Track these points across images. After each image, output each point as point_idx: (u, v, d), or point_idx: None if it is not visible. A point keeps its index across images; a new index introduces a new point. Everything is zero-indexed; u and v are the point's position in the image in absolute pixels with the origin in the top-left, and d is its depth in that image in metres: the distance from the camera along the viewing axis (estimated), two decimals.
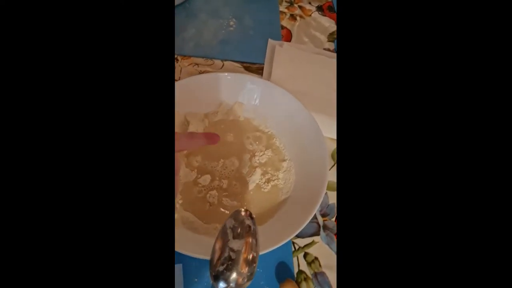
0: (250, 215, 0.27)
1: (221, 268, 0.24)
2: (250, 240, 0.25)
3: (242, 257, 0.25)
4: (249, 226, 0.26)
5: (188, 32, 0.53)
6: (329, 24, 0.60)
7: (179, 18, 0.55)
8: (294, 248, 0.34)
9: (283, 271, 0.32)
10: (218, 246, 0.25)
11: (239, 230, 0.26)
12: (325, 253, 0.34)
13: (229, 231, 0.26)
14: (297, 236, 0.35)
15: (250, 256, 0.25)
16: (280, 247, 0.28)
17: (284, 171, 0.36)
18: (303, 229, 0.29)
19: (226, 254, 0.25)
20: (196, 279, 0.31)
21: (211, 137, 0.27)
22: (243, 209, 0.27)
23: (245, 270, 0.24)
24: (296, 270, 0.33)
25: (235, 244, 0.25)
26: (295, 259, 0.33)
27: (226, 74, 0.39)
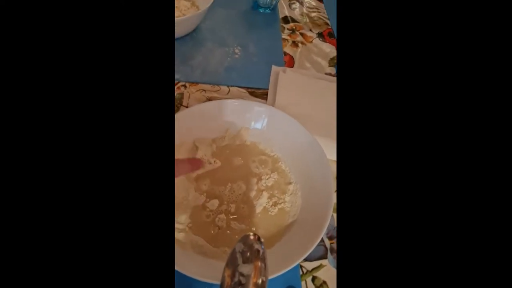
0: (259, 239, 0.27)
1: None
2: (259, 264, 0.26)
3: (251, 282, 0.25)
4: (258, 250, 0.27)
5: (195, 60, 0.56)
6: (330, 50, 0.62)
7: (187, 47, 0.58)
8: (302, 271, 0.34)
9: None
10: (227, 271, 0.26)
11: (248, 254, 0.26)
12: (333, 276, 0.34)
13: (238, 255, 0.26)
14: (305, 260, 0.35)
15: (260, 281, 0.25)
16: (288, 270, 0.28)
17: (290, 194, 0.37)
18: (310, 252, 0.30)
19: (236, 279, 0.25)
20: None
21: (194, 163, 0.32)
22: (251, 233, 0.28)
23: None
24: None
25: (244, 268, 0.25)
26: (303, 283, 0.34)
27: (233, 100, 0.41)
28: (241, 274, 0.25)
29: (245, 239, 0.27)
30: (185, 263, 0.28)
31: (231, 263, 0.26)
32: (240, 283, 0.25)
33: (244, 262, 0.26)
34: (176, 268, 0.27)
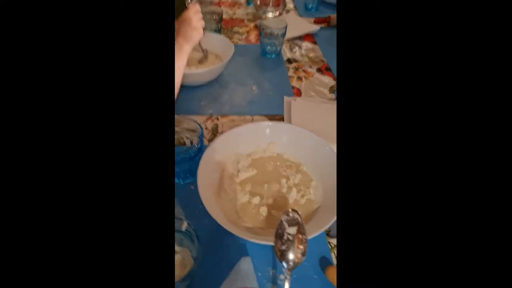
0: (296, 212, 0.38)
1: (283, 248, 0.35)
2: (299, 227, 0.36)
3: (296, 238, 0.35)
4: (297, 218, 0.37)
5: (223, 98, 0.70)
6: (328, 81, 0.77)
7: (215, 89, 0.73)
8: (330, 246, 0.44)
9: (324, 262, 0.42)
10: (279, 232, 0.36)
11: (291, 221, 0.37)
12: None
13: (284, 222, 0.37)
14: (331, 237, 0.44)
15: (302, 238, 0.36)
16: (319, 245, 0.38)
17: (313, 188, 0.48)
18: (334, 231, 0.39)
19: (285, 237, 0.35)
20: (259, 274, 0.40)
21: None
22: (291, 209, 0.38)
23: (300, 247, 0.35)
24: (335, 262, 0.42)
25: (290, 230, 0.36)
26: (332, 254, 0.43)
27: (266, 122, 0.54)
28: (289, 234, 0.36)
29: (287, 212, 0.38)
30: (247, 234, 0.38)
31: (280, 228, 0.36)
32: (288, 239, 0.35)
33: (289, 226, 0.36)
34: (243, 237, 0.37)
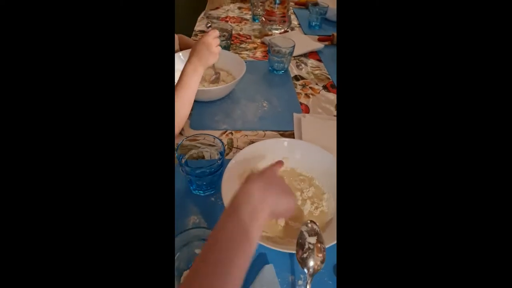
0: (315, 223, 0.42)
1: (304, 255, 0.39)
2: (318, 236, 0.40)
3: (316, 247, 0.39)
4: (316, 229, 0.41)
5: (235, 114, 0.75)
6: (334, 97, 0.82)
7: (227, 104, 0.77)
8: None
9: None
10: (300, 242, 0.40)
11: (311, 231, 0.41)
12: None
13: (305, 232, 0.41)
14: None
15: (321, 246, 0.40)
16: (332, 253, 0.42)
17: (326, 201, 0.52)
18: None
19: (306, 246, 0.40)
20: (279, 279, 0.44)
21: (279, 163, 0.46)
22: (309, 220, 0.43)
23: (319, 255, 0.39)
24: None
25: (310, 239, 0.40)
26: None
27: (282, 139, 0.58)
28: (309, 243, 0.40)
29: (306, 223, 0.42)
30: (268, 243, 0.42)
31: (301, 238, 0.40)
32: (309, 248, 0.39)
33: (309, 236, 0.40)
34: (266, 245, 0.41)
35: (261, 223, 0.32)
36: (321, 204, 0.52)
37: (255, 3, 1.22)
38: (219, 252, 0.28)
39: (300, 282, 0.43)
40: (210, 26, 0.72)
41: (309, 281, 0.38)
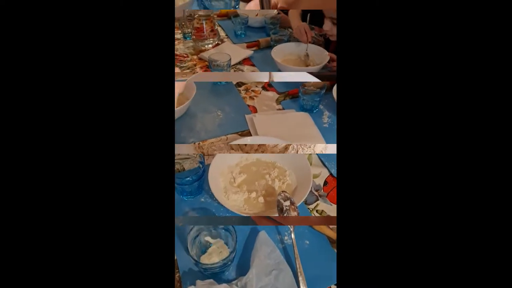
0: (286, 192, 0.58)
1: (284, 215, 0.55)
2: (290, 200, 0.56)
3: (291, 207, 0.55)
4: (287, 196, 0.57)
5: (197, 126, 0.87)
6: (273, 95, 0.99)
7: (187, 120, 0.89)
8: (309, 209, 0.65)
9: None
10: (279, 207, 0.55)
11: (284, 198, 0.57)
12: (326, 208, 0.65)
13: (281, 200, 0.56)
14: (308, 204, 0.65)
15: (294, 206, 0.56)
16: (303, 208, 0.59)
17: (289, 176, 0.69)
18: (308, 199, 0.60)
19: (284, 209, 0.55)
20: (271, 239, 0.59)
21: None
22: (281, 191, 0.58)
23: (294, 213, 0.55)
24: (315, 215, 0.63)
25: (286, 203, 0.56)
26: (312, 213, 0.64)
27: (245, 138, 0.73)
28: (285, 206, 0.55)
29: (279, 193, 0.58)
30: (259, 214, 0.57)
31: (279, 204, 0.56)
32: (287, 209, 0.55)
33: (284, 201, 0.56)
34: (258, 215, 0.55)
35: None
36: (286, 179, 0.68)
37: (183, 23, 1.33)
38: None
39: (286, 237, 0.59)
40: None
41: (292, 230, 0.54)
